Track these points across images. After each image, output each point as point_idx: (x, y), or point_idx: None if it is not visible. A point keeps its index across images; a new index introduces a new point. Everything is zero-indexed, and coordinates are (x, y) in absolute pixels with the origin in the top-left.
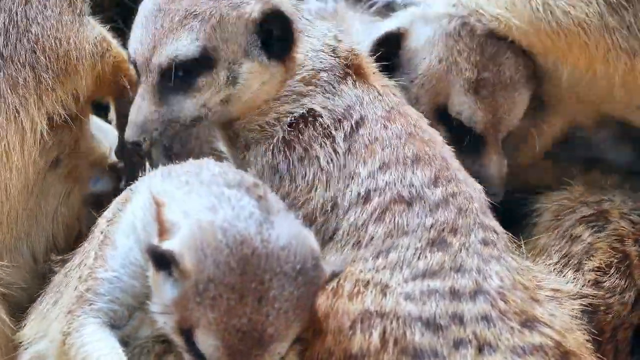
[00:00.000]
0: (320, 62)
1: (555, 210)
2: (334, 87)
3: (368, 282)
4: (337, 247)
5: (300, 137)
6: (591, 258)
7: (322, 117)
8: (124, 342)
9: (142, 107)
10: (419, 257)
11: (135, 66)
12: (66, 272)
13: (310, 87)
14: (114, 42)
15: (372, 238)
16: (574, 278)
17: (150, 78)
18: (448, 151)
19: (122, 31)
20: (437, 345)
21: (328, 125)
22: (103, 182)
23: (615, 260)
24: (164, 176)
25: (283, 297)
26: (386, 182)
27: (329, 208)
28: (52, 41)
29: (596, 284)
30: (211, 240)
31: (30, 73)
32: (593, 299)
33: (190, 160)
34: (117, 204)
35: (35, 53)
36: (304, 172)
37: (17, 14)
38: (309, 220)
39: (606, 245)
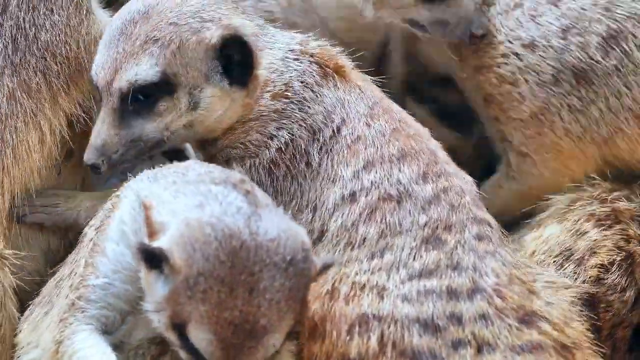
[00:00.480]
0: (288, 71)
1: (569, 201)
2: (313, 92)
3: (364, 285)
4: (328, 248)
5: (284, 157)
6: (595, 255)
7: (301, 137)
8: (118, 347)
9: (101, 131)
10: (414, 257)
11: (97, 89)
12: (56, 283)
13: (285, 101)
14: None
15: (364, 239)
16: (575, 273)
17: (110, 102)
18: (435, 144)
19: None
20: (436, 346)
21: (305, 144)
22: (107, 184)
23: (619, 258)
24: (150, 179)
25: (274, 288)
26: (372, 181)
27: (309, 210)
28: (62, 47)
29: (597, 280)
30: (199, 235)
31: (42, 79)
32: (592, 293)
33: (175, 163)
34: (105, 211)
35: (46, 59)
36: (287, 188)
37: (24, 21)
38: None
39: (612, 244)
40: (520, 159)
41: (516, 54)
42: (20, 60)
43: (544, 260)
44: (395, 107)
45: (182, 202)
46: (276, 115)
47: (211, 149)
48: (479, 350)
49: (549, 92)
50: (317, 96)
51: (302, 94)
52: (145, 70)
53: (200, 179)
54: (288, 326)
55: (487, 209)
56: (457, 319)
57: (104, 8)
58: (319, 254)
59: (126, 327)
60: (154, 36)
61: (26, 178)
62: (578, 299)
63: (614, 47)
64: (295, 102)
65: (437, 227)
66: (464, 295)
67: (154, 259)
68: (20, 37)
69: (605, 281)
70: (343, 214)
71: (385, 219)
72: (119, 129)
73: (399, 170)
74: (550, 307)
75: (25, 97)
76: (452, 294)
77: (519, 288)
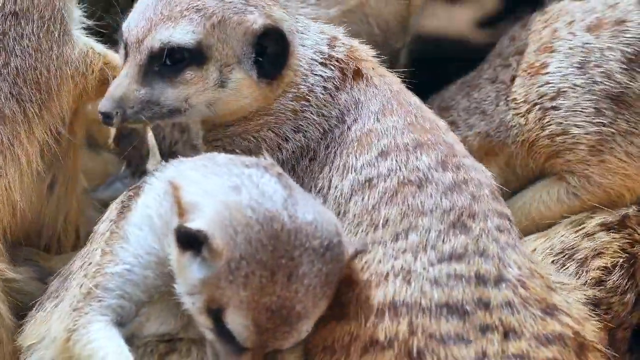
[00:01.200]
0: (312, 76)
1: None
2: (331, 97)
3: (388, 272)
4: (349, 229)
5: (293, 157)
6: (600, 256)
7: (313, 139)
8: (128, 340)
9: (122, 83)
10: (443, 240)
11: (125, 47)
12: (64, 277)
13: (305, 104)
14: (102, 49)
15: (387, 220)
16: (577, 273)
17: (138, 58)
18: (452, 137)
19: None
20: (464, 330)
21: (315, 144)
22: (111, 189)
23: (621, 260)
24: (176, 165)
25: (312, 273)
26: (388, 168)
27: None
28: (32, 72)
29: (599, 282)
30: (241, 218)
31: (16, 105)
32: (595, 297)
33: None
34: (119, 204)
35: (18, 85)
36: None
37: None
38: None
39: (617, 246)
40: (584, 181)
41: (553, 107)
42: None
43: (543, 259)
44: (413, 100)
45: (216, 182)
46: (293, 116)
47: (217, 133)
48: (505, 335)
49: (598, 124)
50: (334, 100)
51: (322, 99)
52: (181, 34)
53: (231, 162)
54: (320, 311)
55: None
56: (484, 305)
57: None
58: None
59: (140, 319)
60: (197, 6)
61: (8, 217)
62: (587, 301)
63: (638, 69)
64: (314, 105)
65: (462, 214)
66: (491, 282)
67: (189, 240)
68: None
69: (607, 283)
70: (363, 197)
71: (407, 201)
72: (140, 86)
73: (417, 158)
74: (569, 305)
75: (0, 126)
76: (480, 279)
77: (540, 281)
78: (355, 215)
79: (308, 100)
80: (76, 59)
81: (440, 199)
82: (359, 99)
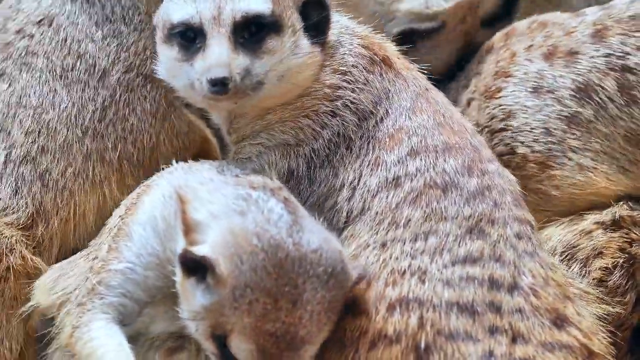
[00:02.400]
0: (342, 47)
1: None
2: (363, 76)
3: (405, 269)
4: (370, 225)
5: (329, 145)
6: (601, 256)
7: (351, 123)
8: (134, 338)
9: (222, 52)
10: (459, 244)
11: (191, 30)
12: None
13: (340, 77)
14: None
15: (409, 220)
16: (581, 274)
17: (223, 30)
18: (479, 140)
19: None
20: (472, 329)
21: (352, 131)
22: None
23: (621, 260)
24: (185, 170)
25: (316, 300)
26: (417, 168)
27: (347, 190)
28: (144, 135)
29: (600, 282)
30: (246, 245)
31: (115, 156)
32: (614, 307)
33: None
34: (130, 199)
35: (126, 140)
36: (322, 174)
37: (120, 97)
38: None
39: (617, 246)
40: (540, 196)
41: (501, 129)
42: (103, 129)
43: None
44: (441, 99)
45: (222, 202)
46: (330, 92)
47: (247, 128)
48: (513, 340)
49: (547, 142)
50: (367, 81)
51: (354, 74)
52: (257, 3)
53: (239, 182)
54: (324, 336)
55: None
56: (496, 308)
57: None
58: (360, 231)
59: (143, 320)
60: None
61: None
62: (604, 314)
63: (588, 99)
64: (349, 81)
65: (481, 220)
66: (504, 288)
67: (194, 265)
68: (111, 109)
69: (608, 283)
70: (387, 195)
71: (431, 204)
72: (238, 55)
73: (444, 160)
74: (582, 318)
75: (98, 164)
76: (493, 284)
77: (554, 290)
78: (377, 212)
79: (343, 73)
80: (184, 133)
81: (463, 205)
82: (388, 89)
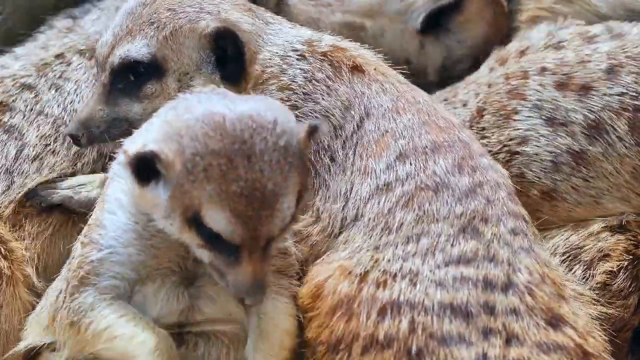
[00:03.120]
0: (291, 68)
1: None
2: (325, 86)
3: (396, 272)
4: (364, 232)
5: (313, 159)
6: (607, 258)
7: (324, 135)
8: None
9: (88, 105)
10: (452, 244)
11: (97, 64)
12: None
13: (289, 93)
14: None
15: (401, 224)
16: (584, 277)
17: (103, 76)
18: (468, 135)
19: None
20: (466, 332)
21: (327, 140)
22: None
23: (626, 263)
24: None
25: (269, 149)
26: (407, 172)
27: (340, 200)
28: None
29: (604, 286)
30: (181, 124)
31: None
32: (609, 308)
33: None
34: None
35: None
36: (311, 182)
37: None
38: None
39: (623, 248)
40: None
41: (517, 152)
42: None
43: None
44: (423, 98)
45: (158, 115)
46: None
47: None
48: (507, 341)
49: (553, 179)
50: (330, 90)
51: (308, 87)
52: (137, 48)
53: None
54: (295, 186)
55: None
56: (490, 309)
57: None
58: (355, 236)
59: (138, 300)
60: (151, 19)
61: None
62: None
63: (597, 137)
64: (301, 94)
65: (474, 218)
66: (498, 288)
67: (145, 169)
68: None
69: (612, 287)
70: (379, 201)
71: (423, 207)
72: (105, 105)
73: (434, 162)
74: (577, 317)
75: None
76: (487, 284)
77: (549, 289)
78: (370, 218)
79: (291, 89)
80: None
81: (455, 204)
82: (363, 92)
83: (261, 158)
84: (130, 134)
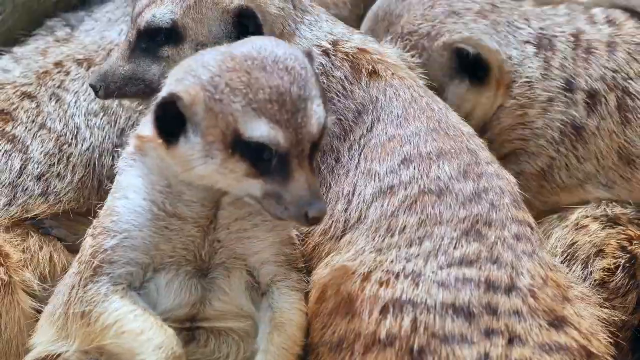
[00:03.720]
0: (323, 65)
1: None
2: (343, 88)
3: (399, 272)
4: (367, 233)
5: (318, 160)
6: (602, 254)
7: (332, 133)
8: None
9: (111, 59)
10: (455, 246)
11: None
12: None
13: None
14: None
15: (404, 227)
16: (583, 276)
17: (130, 34)
18: (477, 143)
19: None
20: (468, 331)
21: (336, 142)
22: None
23: (623, 261)
24: None
25: (280, 59)
26: (410, 176)
27: (343, 202)
28: None
29: (602, 284)
30: (190, 64)
31: None
32: (623, 319)
33: None
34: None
35: None
36: None
37: None
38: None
39: (616, 243)
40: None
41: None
42: None
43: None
44: (437, 105)
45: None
46: None
47: None
48: (509, 341)
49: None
50: (346, 91)
51: (324, 82)
52: (162, 13)
53: None
54: (318, 91)
55: None
56: (492, 310)
57: None
58: (358, 238)
59: (152, 288)
60: None
61: None
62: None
63: (593, 109)
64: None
65: (477, 222)
66: (501, 290)
67: (170, 122)
68: None
69: (609, 285)
70: (382, 204)
71: (426, 210)
72: (127, 62)
73: (438, 167)
74: (581, 318)
75: None
76: (490, 285)
77: (553, 291)
78: (373, 220)
79: None
80: None
81: (458, 208)
82: (377, 97)
83: (276, 67)
84: (146, 95)
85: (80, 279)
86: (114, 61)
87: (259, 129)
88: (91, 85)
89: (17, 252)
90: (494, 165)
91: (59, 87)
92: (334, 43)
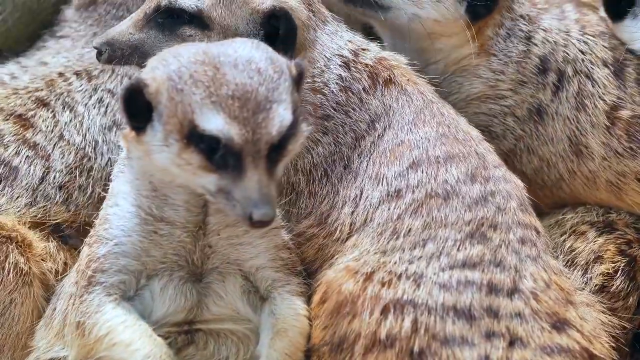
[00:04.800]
0: (329, 72)
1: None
2: (358, 98)
3: (401, 273)
4: (372, 236)
5: (327, 160)
6: (600, 260)
7: (345, 144)
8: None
9: (122, 25)
10: (458, 248)
11: None
12: (62, 284)
13: (322, 98)
14: None
15: (409, 230)
16: (584, 282)
17: (147, 5)
18: (485, 147)
19: None
20: (469, 334)
21: (348, 150)
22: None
23: (622, 264)
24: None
25: (255, 58)
26: (418, 180)
27: (349, 206)
28: None
29: (602, 288)
30: (164, 54)
31: None
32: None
33: None
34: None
35: None
36: (322, 189)
37: None
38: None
39: (615, 248)
40: None
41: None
42: None
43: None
44: (447, 110)
45: None
46: (312, 111)
47: None
48: (511, 343)
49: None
50: (362, 103)
51: (340, 96)
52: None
53: None
54: (289, 95)
55: None
56: (493, 313)
57: None
58: (363, 240)
59: (145, 296)
60: None
61: None
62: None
63: (558, 91)
64: (333, 102)
65: (482, 224)
66: (503, 293)
67: (136, 109)
68: None
69: (610, 289)
70: (389, 207)
71: (432, 213)
72: (138, 31)
73: (446, 170)
74: (584, 321)
75: None
76: (492, 288)
77: (556, 294)
78: (379, 223)
79: (324, 95)
80: None
81: (464, 211)
82: (390, 105)
83: (249, 67)
84: None
85: (77, 289)
86: (124, 29)
87: (214, 122)
88: (95, 47)
89: (40, 243)
90: (501, 168)
91: (67, 96)
92: (355, 53)
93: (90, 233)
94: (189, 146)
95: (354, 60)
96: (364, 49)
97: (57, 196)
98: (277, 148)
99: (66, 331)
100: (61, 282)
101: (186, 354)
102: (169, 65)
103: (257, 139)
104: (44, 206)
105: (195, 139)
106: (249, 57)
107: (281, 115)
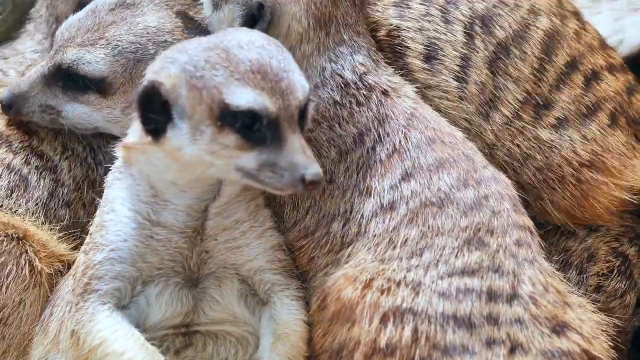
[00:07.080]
0: (326, 88)
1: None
2: (350, 115)
3: (400, 280)
4: (369, 246)
5: None
6: (594, 262)
7: (328, 157)
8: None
9: (29, 81)
10: (456, 256)
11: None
12: (58, 289)
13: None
14: None
15: (406, 240)
16: (579, 282)
17: (51, 62)
18: (470, 147)
19: None
20: (469, 342)
21: (331, 165)
22: None
23: (617, 263)
24: None
25: (258, 39)
26: (412, 191)
27: (339, 221)
28: None
29: (598, 288)
30: (168, 53)
31: None
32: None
33: None
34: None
35: None
36: (303, 203)
37: None
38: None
39: (606, 246)
40: None
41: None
42: None
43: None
44: (429, 114)
45: None
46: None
47: None
48: (512, 350)
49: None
50: (352, 117)
51: (332, 113)
52: (94, 60)
53: None
54: (299, 69)
55: None
56: (494, 320)
57: None
58: (359, 251)
59: (141, 302)
60: (116, 40)
61: None
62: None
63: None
64: (319, 116)
65: (479, 230)
66: (502, 299)
67: (156, 116)
68: None
69: (606, 288)
70: (384, 219)
71: (428, 222)
72: (43, 88)
73: (439, 178)
74: (582, 322)
75: None
76: (491, 295)
77: (554, 297)
78: (375, 235)
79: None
80: None
81: (460, 218)
82: (385, 114)
83: (253, 45)
84: (60, 125)
85: (73, 296)
86: (29, 85)
87: (246, 97)
88: (1, 102)
89: (54, 242)
90: (489, 168)
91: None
92: (359, 75)
93: (86, 240)
94: (223, 129)
95: (353, 82)
96: (367, 69)
97: (65, 216)
98: (301, 115)
99: (61, 338)
100: (57, 287)
101: (185, 355)
102: (179, 60)
103: (287, 104)
104: (54, 227)
105: (229, 119)
106: (249, 39)
107: (300, 81)
